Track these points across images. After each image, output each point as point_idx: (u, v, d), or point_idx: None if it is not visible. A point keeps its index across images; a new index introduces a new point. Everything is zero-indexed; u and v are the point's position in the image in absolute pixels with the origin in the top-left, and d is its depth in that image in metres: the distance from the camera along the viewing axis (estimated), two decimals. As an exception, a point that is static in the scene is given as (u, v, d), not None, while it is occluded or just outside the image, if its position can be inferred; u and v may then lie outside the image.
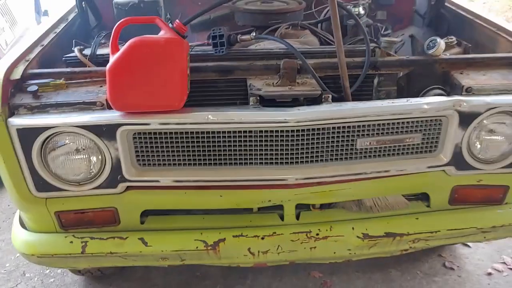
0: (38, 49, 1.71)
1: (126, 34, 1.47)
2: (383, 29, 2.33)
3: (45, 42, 1.78)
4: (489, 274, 2.38)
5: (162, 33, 1.45)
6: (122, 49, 1.40)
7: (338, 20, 1.54)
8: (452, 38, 1.93)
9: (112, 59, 1.41)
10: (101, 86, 1.54)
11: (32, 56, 1.64)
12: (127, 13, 2.31)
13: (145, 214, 1.69)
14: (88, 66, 1.68)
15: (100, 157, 1.51)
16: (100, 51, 1.76)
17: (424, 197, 1.78)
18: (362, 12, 2.23)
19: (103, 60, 1.71)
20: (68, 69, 1.61)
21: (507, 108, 1.54)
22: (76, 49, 1.73)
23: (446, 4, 2.27)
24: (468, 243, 2.56)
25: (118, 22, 1.45)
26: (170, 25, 1.47)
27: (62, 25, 1.99)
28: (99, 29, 2.28)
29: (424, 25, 2.41)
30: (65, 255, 1.64)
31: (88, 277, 2.35)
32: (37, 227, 1.68)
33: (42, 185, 1.53)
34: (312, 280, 2.35)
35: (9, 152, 1.46)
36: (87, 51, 1.75)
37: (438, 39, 1.66)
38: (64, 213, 1.62)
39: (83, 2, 2.15)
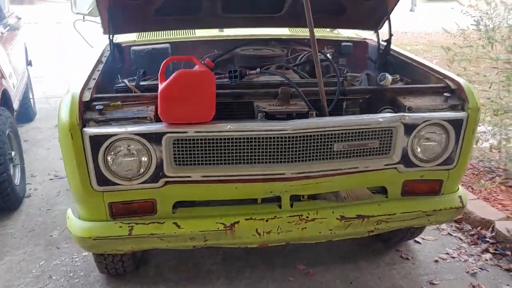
0: (92, 82, 2.24)
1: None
2: (345, 71, 3.04)
3: (95, 76, 2.32)
4: (436, 261, 3.00)
5: (196, 67, 2.04)
6: (170, 78, 1.96)
7: (318, 59, 2.19)
8: (396, 76, 2.63)
9: (162, 85, 1.97)
10: (148, 106, 2.09)
11: (91, 85, 2.17)
12: (142, 58, 2.93)
13: (176, 206, 2.19)
14: (135, 92, 2.24)
15: (147, 158, 2.03)
16: (142, 82, 2.33)
17: (383, 191, 2.39)
18: (329, 57, 2.92)
19: (145, 88, 2.29)
20: (123, 94, 2.16)
21: (436, 120, 2.20)
22: (126, 81, 2.30)
23: (391, 52, 3.01)
24: (419, 240, 3.18)
25: (165, 60, 2.03)
26: (202, 62, 2.06)
27: (101, 65, 2.54)
28: (121, 68, 2.85)
29: (375, 68, 3.13)
30: (116, 237, 2.10)
31: (112, 274, 2.75)
32: (91, 216, 2.13)
33: (102, 180, 2.02)
34: (298, 271, 2.87)
35: (81, 154, 1.96)
36: (132, 82, 2.32)
37: (387, 74, 2.34)
38: (115, 204, 2.10)
39: (115, 48, 2.73)
